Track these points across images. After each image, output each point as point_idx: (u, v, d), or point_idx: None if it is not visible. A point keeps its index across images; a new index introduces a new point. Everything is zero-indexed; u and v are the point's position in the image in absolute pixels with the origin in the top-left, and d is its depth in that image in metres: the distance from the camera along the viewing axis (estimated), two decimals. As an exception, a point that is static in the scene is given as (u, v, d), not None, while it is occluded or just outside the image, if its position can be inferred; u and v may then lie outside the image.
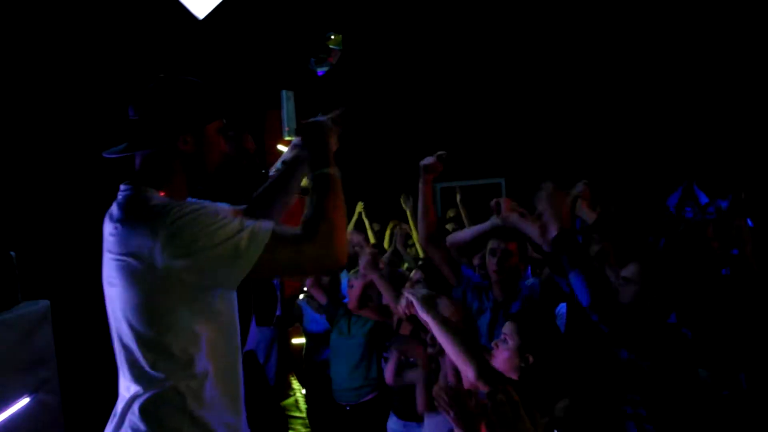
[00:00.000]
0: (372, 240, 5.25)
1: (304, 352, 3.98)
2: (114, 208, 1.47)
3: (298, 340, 4.34)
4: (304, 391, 4.06)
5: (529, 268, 3.40)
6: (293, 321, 4.13)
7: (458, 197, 5.11)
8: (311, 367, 3.86)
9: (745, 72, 5.91)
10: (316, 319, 3.88)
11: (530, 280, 2.94)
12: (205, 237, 1.34)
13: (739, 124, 6.00)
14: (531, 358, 2.03)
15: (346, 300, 3.64)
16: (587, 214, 2.79)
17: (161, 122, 1.46)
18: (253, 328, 3.07)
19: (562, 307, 2.91)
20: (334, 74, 4.85)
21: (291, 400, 3.98)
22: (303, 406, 4.00)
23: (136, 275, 1.38)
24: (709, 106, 6.15)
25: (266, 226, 1.39)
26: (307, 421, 3.91)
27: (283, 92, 3.97)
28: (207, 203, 1.52)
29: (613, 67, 6.46)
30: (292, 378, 4.14)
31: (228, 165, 2.88)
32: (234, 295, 1.57)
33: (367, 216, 5.44)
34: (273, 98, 4.45)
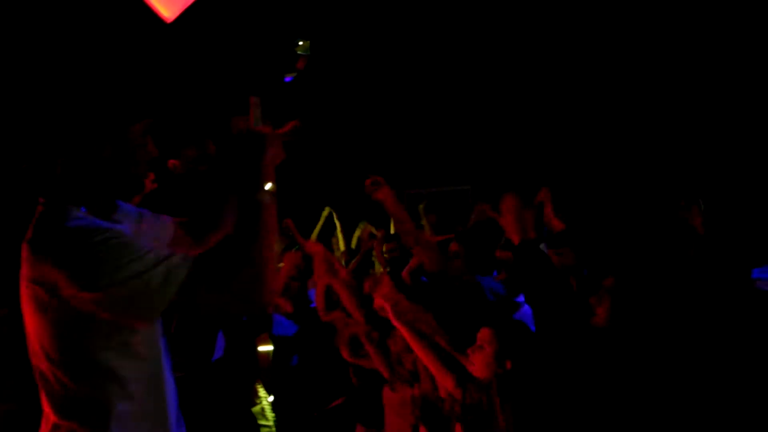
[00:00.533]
0: (342, 245, 5.24)
1: (271, 359, 3.95)
2: (31, 227, 1.34)
3: (265, 348, 4.30)
4: (270, 399, 4.02)
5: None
6: (262, 329, 4.10)
7: (422, 206, 5.13)
8: (280, 373, 3.85)
9: (704, 74, 6.09)
10: (283, 323, 3.87)
11: (488, 279, 3.05)
12: (114, 271, 1.21)
13: (697, 125, 6.18)
14: (509, 364, 2.07)
15: (312, 305, 3.66)
16: (554, 224, 2.86)
17: (72, 129, 1.35)
18: (220, 335, 3.05)
19: (526, 311, 2.96)
20: (301, 81, 4.86)
21: (257, 408, 3.93)
22: (270, 414, 3.96)
23: (45, 306, 1.28)
24: (671, 111, 6.31)
25: (185, 260, 1.26)
26: (274, 429, 3.88)
27: (251, 98, 3.94)
28: (122, 230, 1.35)
29: (577, 74, 6.58)
30: (259, 386, 4.10)
31: (189, 171, 2.86)
32: (157, 334, 1.44)
33: (338, 219, 5.41)
34: (239, 105, 4.41)
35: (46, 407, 1.36)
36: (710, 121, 6.00)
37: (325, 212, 5.39)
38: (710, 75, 5.99)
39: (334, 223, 5.40)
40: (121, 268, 1.22)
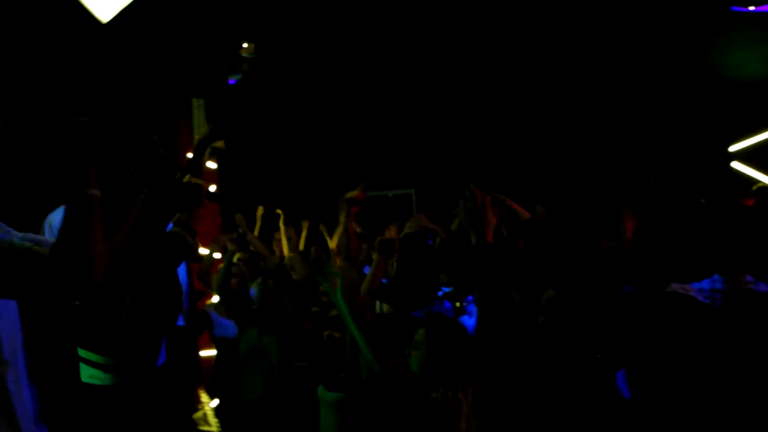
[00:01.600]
0: (285, 247, 5.20)
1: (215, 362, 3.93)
2: None
3: (208, 353, 4.26)
4: (213, 404, 3.98)
5: None
6: (202, 329, 4.06)
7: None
8: (223, 374, 3.84)
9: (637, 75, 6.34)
10: (224, 325, 3.85)
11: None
12: None
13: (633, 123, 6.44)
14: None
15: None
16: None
17: None
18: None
19: (464, 320, 3.02)
20: (245, 83, 4.81)
21: (200, 413, 3.89)
22: (212, 419, 3.92)
23: None
24: (613, 108, 6.53)
25: (23, 245, 1.31)
26: (217, 434, 3.85)
27: (194, 100, 3.91)
28: None
29: (519, 75, 6.71)
30: (201, 391, 4.05)
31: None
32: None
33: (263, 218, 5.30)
34: (184, 108, 4.34)
35: None
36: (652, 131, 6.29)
37: (260, 211, 5.30)
38: (655, 83, 6.26)
39: (277, 225, 5.34)
40: None
